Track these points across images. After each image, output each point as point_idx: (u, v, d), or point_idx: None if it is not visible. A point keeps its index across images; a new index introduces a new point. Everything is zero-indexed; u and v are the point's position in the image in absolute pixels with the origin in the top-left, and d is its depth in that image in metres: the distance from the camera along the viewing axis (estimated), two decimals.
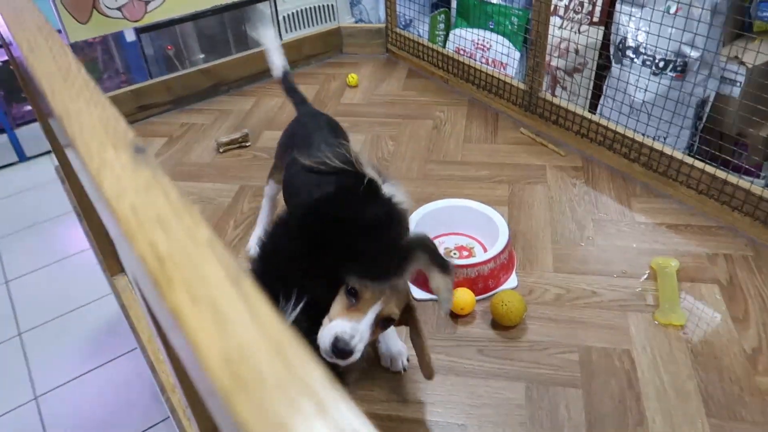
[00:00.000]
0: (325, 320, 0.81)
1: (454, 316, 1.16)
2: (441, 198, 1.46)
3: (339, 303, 0.82)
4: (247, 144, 1.73)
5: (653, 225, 1.35)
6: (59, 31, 1.67)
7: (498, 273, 1.20)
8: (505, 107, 1.78)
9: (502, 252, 1.20)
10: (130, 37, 2.52)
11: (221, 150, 1.71)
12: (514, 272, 1.24)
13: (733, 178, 1.30)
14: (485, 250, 1.28)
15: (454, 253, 1.29)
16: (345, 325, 0.78)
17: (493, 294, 1.17)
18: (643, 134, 1.50)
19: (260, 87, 2.07)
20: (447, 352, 1.09)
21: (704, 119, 1.58)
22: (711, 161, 1.32)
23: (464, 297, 1.14)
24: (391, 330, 1.03)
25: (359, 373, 1.03)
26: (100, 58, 3.14)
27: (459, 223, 1.33)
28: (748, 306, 1.14)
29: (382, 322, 0.83)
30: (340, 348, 0.76)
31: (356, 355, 0.78)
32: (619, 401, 0.99)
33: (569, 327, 1.12)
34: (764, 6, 1.49)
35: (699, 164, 1.34)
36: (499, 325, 1.13)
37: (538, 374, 1.04)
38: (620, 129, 1.48)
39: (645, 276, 1.22)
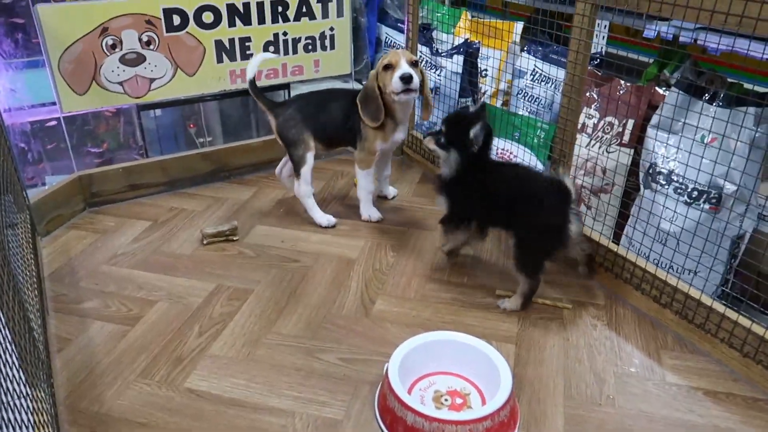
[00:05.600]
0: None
1: None
2: (438, 326, 1.28)
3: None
4: (235, 238, 1.58)
5: (687, 388, 1.13)
6: (53, 103, 1.58)
7: None
8: None
9: (502, 408, 0.98)
10: (156, 112, 2.45)
11: (205, 242, 1.55)
12: None
13: None
14: (483, 399, 1.07)
15: (446, 399, 1.07)
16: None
17: None
18: (670, 267, 1.32)
19: (262, 177, 1.95)
20: None
21: (739, 257, 1.39)
22: (750, 303, 1.12)
23: None
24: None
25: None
26: (121, 129, 3.14)
27: (455, 363, 1.13)
28: None
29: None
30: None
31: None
32: None
33: None
34: None
35: (745, 321, 1.13)
36: None
37: None
38: (650, 268, 1.29)
39: None
